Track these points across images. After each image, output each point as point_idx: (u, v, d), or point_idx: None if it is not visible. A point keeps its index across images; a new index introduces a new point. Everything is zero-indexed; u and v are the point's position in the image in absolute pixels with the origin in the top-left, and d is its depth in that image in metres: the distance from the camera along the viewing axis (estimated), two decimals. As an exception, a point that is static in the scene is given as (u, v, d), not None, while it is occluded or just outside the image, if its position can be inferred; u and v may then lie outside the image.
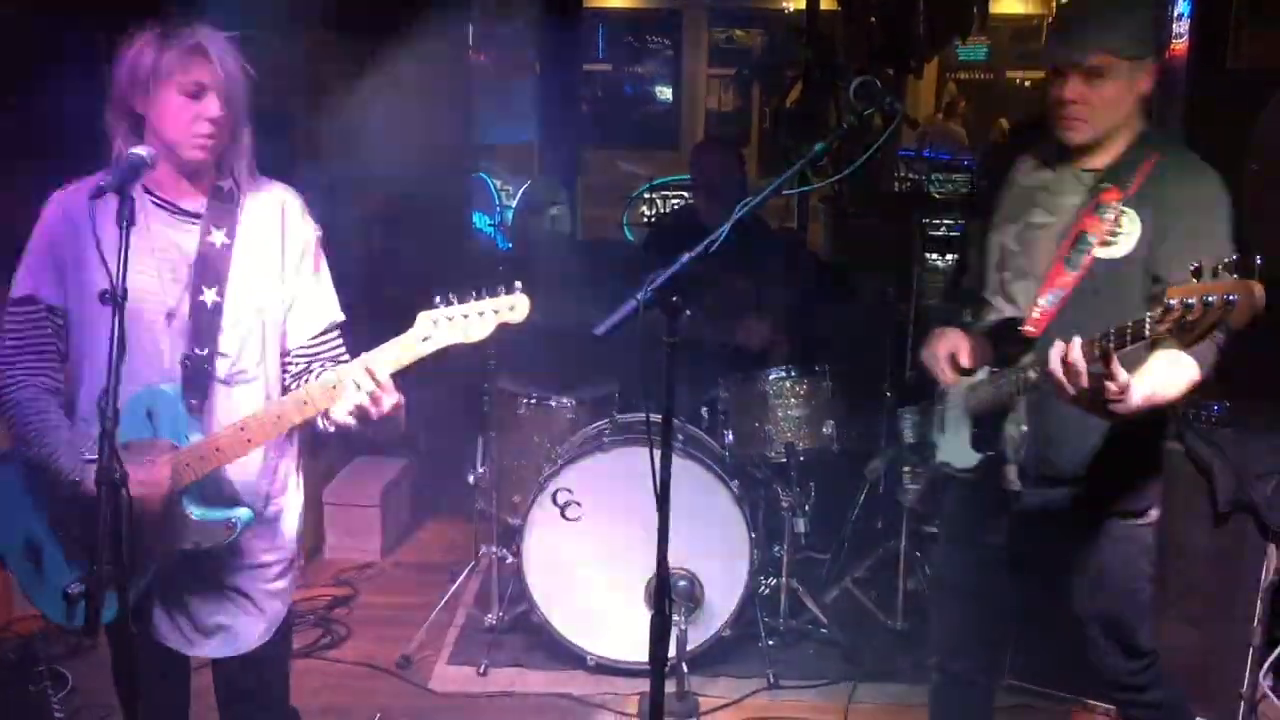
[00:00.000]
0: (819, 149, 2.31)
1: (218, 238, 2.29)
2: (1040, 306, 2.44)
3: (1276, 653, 3.37)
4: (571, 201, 9.96)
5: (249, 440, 2.25)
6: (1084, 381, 2.15)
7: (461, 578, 4.15)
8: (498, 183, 9.78)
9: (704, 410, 4.09)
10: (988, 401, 2.53)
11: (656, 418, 2.22)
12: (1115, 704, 2.73)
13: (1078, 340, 2.17)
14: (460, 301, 2.19)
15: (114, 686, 2.16)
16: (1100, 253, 2.39)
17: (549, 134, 10.25)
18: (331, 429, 2.28)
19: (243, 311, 2.32)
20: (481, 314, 2.19)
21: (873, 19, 7.38)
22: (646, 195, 10.84)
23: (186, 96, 2.19)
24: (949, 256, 10.07)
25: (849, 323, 4.50)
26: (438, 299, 2.20)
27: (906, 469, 2.78)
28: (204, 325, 2.27)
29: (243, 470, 2.35)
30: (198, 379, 2.28)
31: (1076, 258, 2.42)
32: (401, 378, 2.30)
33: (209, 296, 2.28)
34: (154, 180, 2.27)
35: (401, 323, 2.49)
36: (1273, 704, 3.38)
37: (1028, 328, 2.43)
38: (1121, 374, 2.13)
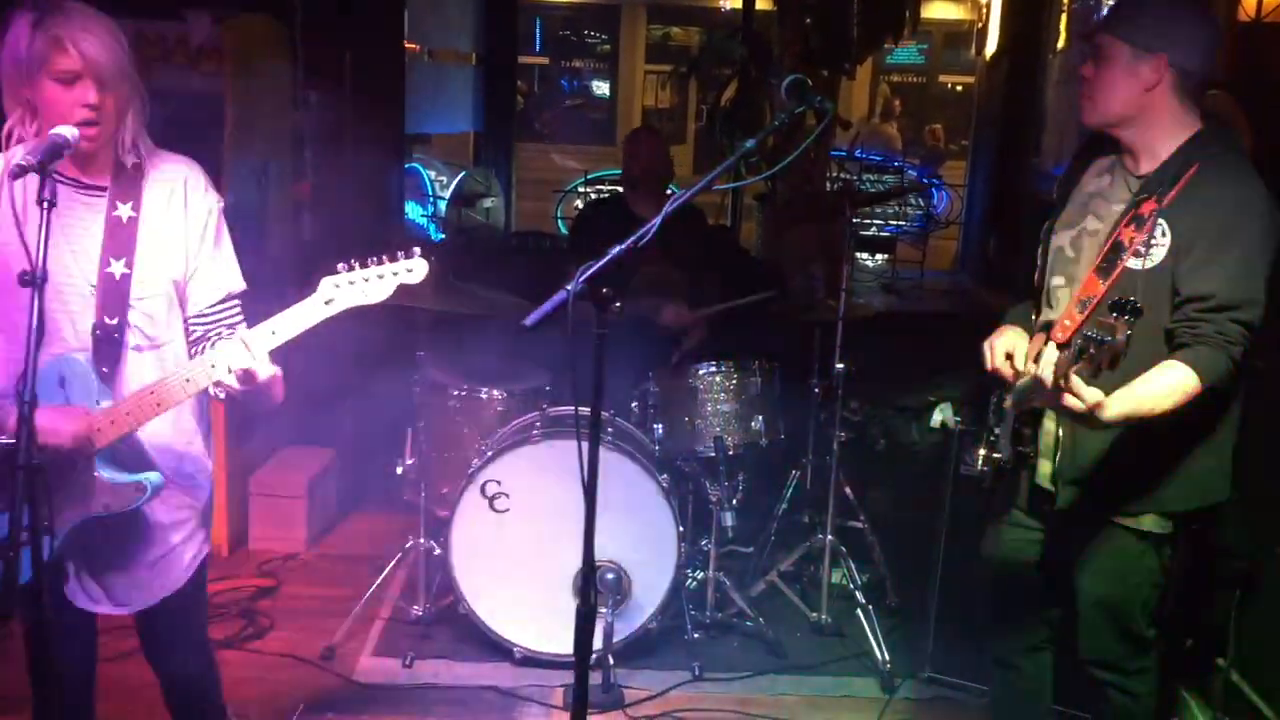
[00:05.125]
0: (750, 145, 2.33)
1: (124, 212, 2.34)
2: (1069, 314, 2.42)
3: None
4: (506, 194, 9.93)
5: (159, 404, 2.30)
6: (1054, 399, 2.19)
7: (388, 569, 4.12)
8: (432, 173, 9.71)
9: (634, 404, 4.10)
10: (1022, 401, 2.51)
11: (586, 411, 2.23)
12: (1095, 682, 2.67)
13: (1049, 357, 2.22)
14: (362, 267, 2.29)
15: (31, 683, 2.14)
16: (1132, 263, 2.36)
17: (484, 126, 10.19)
18: (223, 395, 2.36)
19: (151, 282, 2.38)
20: (381, 276, 2.29)
21: (807, 19, 7.46)
22: (580, 189, 10.83)
23: (61, 85, 2.19)
24: (879, 256, 10.26)
25: (778, 319, 4.52)
26: (340, 265, 2.28)
27: (981, 450, 2.75)
28: (113, 296, 2.33)
29: (155, 431, 2.40)
30: (108, 347, 2.33)
31: (1108, 267, 2.39)
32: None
33: (117, 268, 2.33)
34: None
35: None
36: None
37: (1055, 333, 2.42)
38: (1088, 394, 2.13)
